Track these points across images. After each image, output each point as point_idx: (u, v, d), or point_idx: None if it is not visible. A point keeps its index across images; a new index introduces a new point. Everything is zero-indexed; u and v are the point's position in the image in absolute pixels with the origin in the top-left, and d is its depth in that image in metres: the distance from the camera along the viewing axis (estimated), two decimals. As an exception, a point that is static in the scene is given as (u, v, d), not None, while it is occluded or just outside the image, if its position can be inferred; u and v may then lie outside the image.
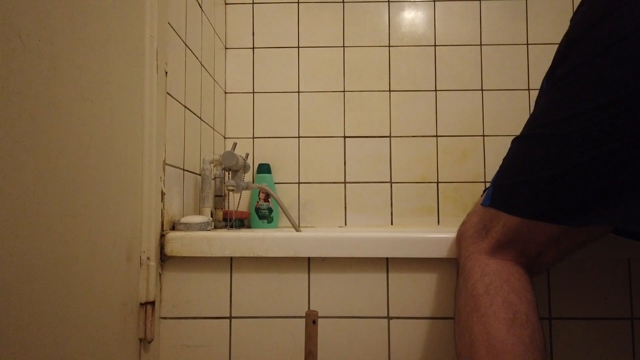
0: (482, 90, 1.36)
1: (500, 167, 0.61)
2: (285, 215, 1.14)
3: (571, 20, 0.59)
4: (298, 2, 1.39)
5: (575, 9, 1.35)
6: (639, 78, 0.47)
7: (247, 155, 1.16)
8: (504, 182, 0.59)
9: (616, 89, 0.48)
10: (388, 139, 1.36)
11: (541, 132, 0.55)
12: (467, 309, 0.58)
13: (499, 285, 0.56)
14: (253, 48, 1.38)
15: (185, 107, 0.96)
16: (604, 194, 0.50)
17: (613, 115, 0.49)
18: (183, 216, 0.91)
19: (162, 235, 0.78)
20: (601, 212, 0.51)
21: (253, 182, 1.27)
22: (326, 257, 0.78)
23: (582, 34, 0.53)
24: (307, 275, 0.79)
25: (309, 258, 0.79)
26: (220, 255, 0.78)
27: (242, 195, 1.31)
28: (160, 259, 0.78)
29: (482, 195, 0.65)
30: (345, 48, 1.38)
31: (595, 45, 0.51)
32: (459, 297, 0.61)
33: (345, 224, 1.34)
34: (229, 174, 1.09)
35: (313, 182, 1.36)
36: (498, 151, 1.35)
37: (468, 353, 0.55)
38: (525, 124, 0.59)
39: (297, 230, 1.12)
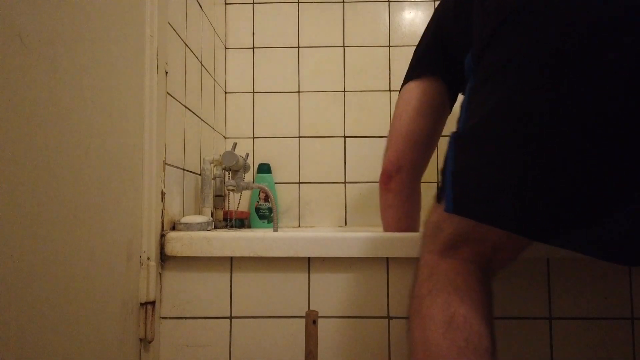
0: (482, 90, 1.36)
1: (455, 167, 0.57)
2: (274, 217, 1.15)
3: None
4: (298, 2, 1.39)
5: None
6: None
7: (247, 155, 1.16)
8: (466, 188, 0.55)
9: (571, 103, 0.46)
10: (388, 139, 1.36)
11: (491, 134, 0.52)
12: (412, 310, 0.57)
13: (442, 286, 0.55)
14: (253, 48, 1.38)
15: (186, 107, 0.96)
16: (563, 212, 0.48)
17: (566, 129, 0.46)
18: (183, 216, 0.91)
19: (163, 235, 0.78)
20: (556, 231, 0.49)
21: (253, 182, 1.27)
22: (326, 257, 0.78)
23: (512, 18, 0.50)
24: (307, 275, 0.79)
25: (309, 258, 0.79)
26: (220, 255, 0.78)
27: (242, 195, 1.31)
28: (161, 258, 0.78)
29: (438, 200, 0.61)
30: (345, 48, 1.38)
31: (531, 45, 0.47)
32: (409, 295, 0.60)
33: (345, 224, 1.34)
34: (229, 174, 1.09)
35: (313, 182, 1.36)
36: (498, 151, 1.34)
37: (411, 355, 0.54)
38: (465, 112, 0.56)
39: (275, 231, 1.12)
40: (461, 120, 0.58)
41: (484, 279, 0.57)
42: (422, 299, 0.55)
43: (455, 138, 0.57)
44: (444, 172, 0.58)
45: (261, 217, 1.30)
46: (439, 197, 0.60)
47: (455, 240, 0.57)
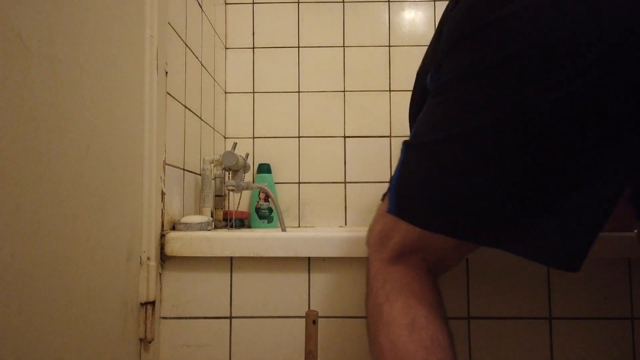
0: (482, 90, 1.35)
1: (401, 172, 0.59)
2: (279, 216, 1.15)
3: (449, 13, 0.56)
4: (298, 2, 1.39)
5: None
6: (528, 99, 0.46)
7: (247, 155, 1.16)
8: (406, 191, 0.57)
9: (500, 108, 0.47)
10: (388, 139, 1.36)
11: (438, 144, 0.53)
12: (372, 318, 0.58)
13: (398, 291, 0.56)
14: (253, 48, 1.38)
15: (186, 107, 0.96)
16: (499, 216, 0.49)
17: (503, 135, 0.47)
18: (183, 216, 0.91)
19: (162, 235, 0.78)
20: (492, 233, 0.50)
21: (253, 182, 1.27)
22: (326, 257, 0.78)
23: (471, 33, 0.50)
24: (307, 275, 0.79)
25: (309, 258, 0.79)
26: (220, 255, 0.78)
27: (242, 195, 1.31)
28: (161, 258, 0.78)
29: (382, 199, 0.63)
30: (345, 48, 1.38)
31: (487, 54, 0.48)
32: (366, 306, 0.61)
33: (345, 224, 1.34)
34: (229, 174, 1.09)
35: (313, 182, 1.36)
36: (498, 151, 1.34)
37: None
38: (423, 125, 0.57)
39: (283, 230, 1.13)
40: (412, 130, 0.60)
41: (434, 282, 0.60)
42: (381, 306, 0.57)
43: (405, 146, 0.59)
44: (392, 177, 0.61)
45: (261, 217, 1.30)
46: (384, 197, 0.62)
47: (404, 248, 0.58)
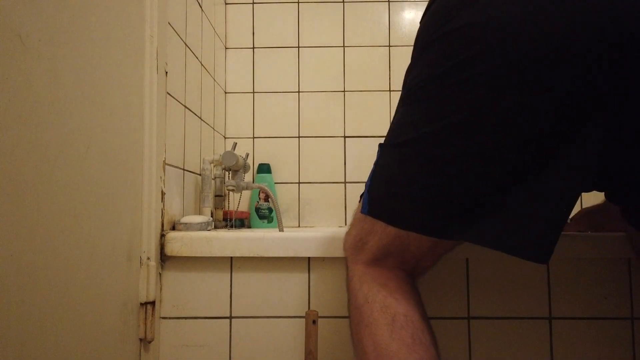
0: (482, 90, 1.35)
1: (375, 174, 0.61)
2: (277, 216, 1.16)
3: (422, 19, 0.58)
4: (298, 2, 1.39)
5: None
6: (481, 102, 0.48)
7: (247, 155, 1.16)
8: (377, 190, 0.59)
9: (467, 109, 0.49)
10: (388, 139, 1.36)
11: (408, 145, 0.55)
12: (354, 321, 0.59)
13: (376, 291, 0.57)
14: (253, 48, 1.38)
15: (185, 107, 0.96)
16: (466, 210, 0.51)
17: (467, 135, 0.49)
18: (183, 216, 0.91)
19: (162, 235, 0.78)
20: (463, 228, 0.51)
21: (253, 182, 1.27)
22: (326, 257, 0.78)
23: (431, 41, 0.52)
24: (307, 275, 0.79)
25: (308, 258, 0.79)
26: (220, 255, 0.78)
27: (242, 195, 1.31)
28: (161, 258, 0.78)
29: (359, 201, 0.64)
30: (345, 48, 1.38)
31: (447, 58, 0.50)
32: (348, 309, 0.62)
33: (346, 224, 1.34)
34: (229, 174, 1.09)
35: (313, 182, 1.36)
36: (498, 151, 1.34)
37: None
38: (393, 129, 0.59)
39: (281, 230, 1.13)
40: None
41: (412, 282, 0.61)
42: (361, 308, 0.57)
43: (379, 147, 0.61)
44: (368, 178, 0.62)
45: (261, 217, 1.30)
46: (361, 198, 0.64)
47: (380, 251, 0.59)
